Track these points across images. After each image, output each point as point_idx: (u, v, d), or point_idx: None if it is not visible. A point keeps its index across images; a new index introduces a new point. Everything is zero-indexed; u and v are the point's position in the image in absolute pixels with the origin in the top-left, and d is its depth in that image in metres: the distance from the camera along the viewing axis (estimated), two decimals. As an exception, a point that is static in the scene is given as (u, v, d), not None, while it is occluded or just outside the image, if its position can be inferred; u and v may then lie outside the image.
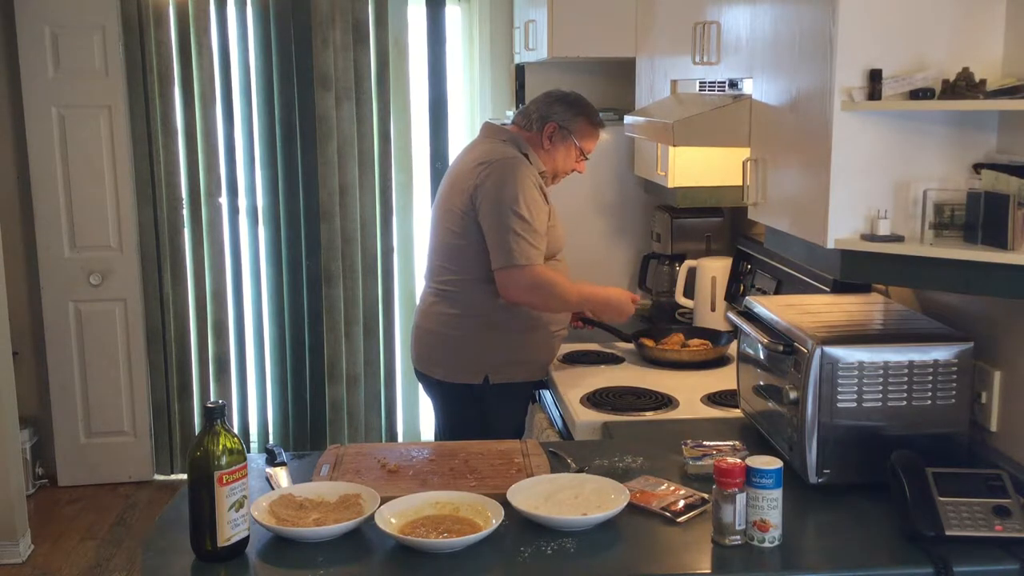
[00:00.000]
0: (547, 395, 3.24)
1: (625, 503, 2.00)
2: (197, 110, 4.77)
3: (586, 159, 3.19)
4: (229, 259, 4.96)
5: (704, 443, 2.33)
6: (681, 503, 2.07)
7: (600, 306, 3.17)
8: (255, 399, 5.10)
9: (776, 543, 1.89)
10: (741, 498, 1.88)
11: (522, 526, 1.98)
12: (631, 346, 3.33)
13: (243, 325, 5.01)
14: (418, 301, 3.27)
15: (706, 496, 2.06)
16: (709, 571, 1.87)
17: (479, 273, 3.01)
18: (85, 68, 4.64)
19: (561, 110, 3.10)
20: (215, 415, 1.87)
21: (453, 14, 5.00)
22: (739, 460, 1.90)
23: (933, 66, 1.98)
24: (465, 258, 3.02)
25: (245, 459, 1.89)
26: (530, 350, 3.08)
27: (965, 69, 1.94)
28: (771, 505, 1.88)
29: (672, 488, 2.14)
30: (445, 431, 3.22)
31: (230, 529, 1.86)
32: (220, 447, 1.85)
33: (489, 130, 3.19)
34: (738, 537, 1.89)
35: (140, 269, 4.86)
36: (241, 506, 1.87)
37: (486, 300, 3.02)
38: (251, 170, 4.88)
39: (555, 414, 3.07)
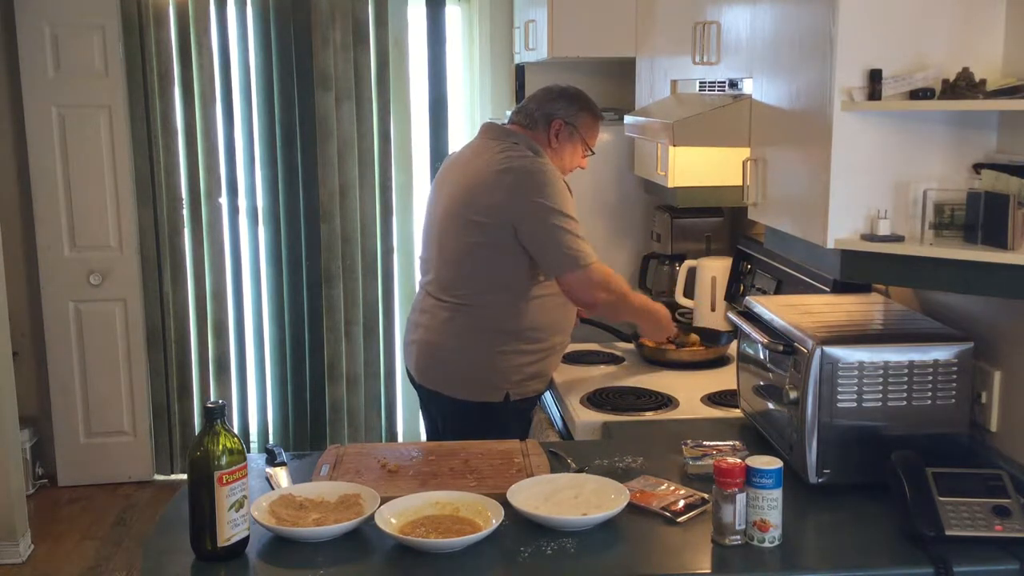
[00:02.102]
0: (547, 395, 3.23)
1: (625, 503, 2.00)
2: (197, 110, 4.77)
3: (592, 153, 3.11)
4: (229, 259, 4.96)
5: (704, 443, 2.33)
6: (681, 503, 2.06)
7: (650, 318, 3.09)
8: (255, 399, 5.10)
9: (776, 543, 1.89)
10: (741, 498, 1.88)
11: (522, 526, 1.97)
12: (631, 346, 3.33)
13: (243, 325, 5.01)
14: (417, 313, 3.07)
15: (706, 496, 2.06)
16: (709, 571, 1.87)
17: (503, 283, 2.87)
18: (85, 68, 4.64)
19: (564, 106, 2.99)
20: (215, 415, 1.87)
21: (453, 14, 5.00)
22: (739, 460, 1.90)
23: (933, 66, 1.98)
24: (489, 270, 2.87)
25: (245, 459, 1.88)
26: (547, 363, 3.00)
27: (965, 69, 1.93)
28: (771, 505, 1.88)
29: (672, 488, 2.14)
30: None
31: (230, 529, 1.86)
32: (220, 447, 1.85)
33: (495, 131, 3.03)
34: (738, 537, 1.89)
35: (140, 269, 4.86)
36: (241, 506, 1.87)
37: (508, 312, 2.89)
38: (251, 170, 4.88)
39: (555, 414, 3.07)
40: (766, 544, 1.88)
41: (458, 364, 2.94)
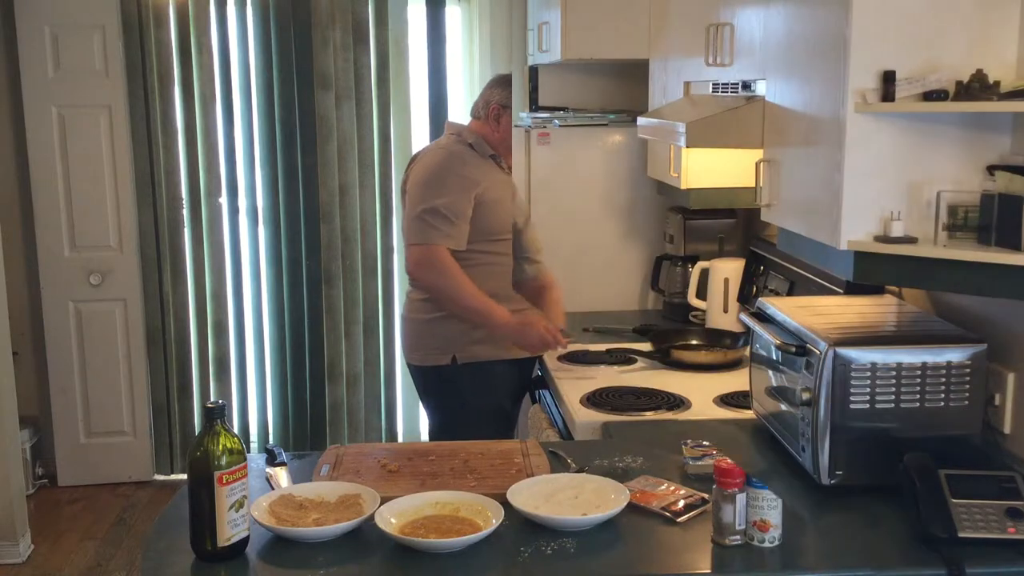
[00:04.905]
0: (547, 395, 3.22)
1: (625, 503, 1.99)
2: (197, 110, 4.75)
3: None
4: (229, 259, 4.95)
5: (704, 443, 2.31)
6: (681, 503, 2.05)
7: (485, 321, 3.07)
8: (255, 399, 5.08)
9: (776, 543, 1.88)
10: (741, 498, 1.87)
11: (522, 526, 1.96)
12: (646, 346, 3.30)
13: (243, 325, 4.99)
14: None
15: (706, 496, 2.05)
16: (709, 571, 1.86)
17: None
18: (85, 68, 4.63)
19: (499, 91, 3.27)
20: (215, 415, 1.85)
21: (453, 14, 4.98)
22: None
23: (947, 67, 1.97)
24: None
25: (245, 459, 1.87)
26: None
27: (979, 70, 1.92)
28: (771, 505, 1.87)
29: (672, 488, 2.13)
30: (429, 417, 3.32)
31: (230, 529, 1.84)
32: (220, 447, 1.83)
33: (447, 127, 3.38)
34: (738, 537, 1.88)
35: (140, 269, 4.84)
36: (241, 506, 1.86)
37: None
38: (251, 170, 4.86)
39: (555, 414, 3.06)
40: (766, 544, 1.87)
41: (413, 333, 3.27)
